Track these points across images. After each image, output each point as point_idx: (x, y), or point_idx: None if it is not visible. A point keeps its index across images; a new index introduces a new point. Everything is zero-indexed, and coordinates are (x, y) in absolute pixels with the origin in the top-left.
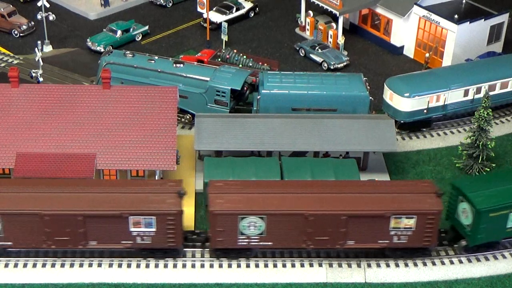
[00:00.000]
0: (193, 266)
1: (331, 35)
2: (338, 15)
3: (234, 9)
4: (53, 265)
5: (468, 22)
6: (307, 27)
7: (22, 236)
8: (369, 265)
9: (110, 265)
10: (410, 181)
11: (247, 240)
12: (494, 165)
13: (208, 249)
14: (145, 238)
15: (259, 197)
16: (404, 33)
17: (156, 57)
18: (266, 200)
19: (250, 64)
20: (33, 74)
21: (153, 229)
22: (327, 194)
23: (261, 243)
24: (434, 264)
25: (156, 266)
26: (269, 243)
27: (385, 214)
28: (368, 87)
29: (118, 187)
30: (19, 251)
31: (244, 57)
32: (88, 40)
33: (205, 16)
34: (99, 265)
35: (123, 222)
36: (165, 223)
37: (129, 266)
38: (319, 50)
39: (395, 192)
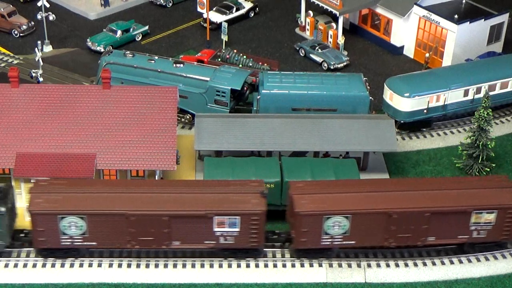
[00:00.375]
0: (193, 266)
1: (331, 35)
2: (338, 15)
3: (234, 9)
4: (53, 265)
5: (468, 22)
6: (307, 27)
7: (106, 236)
8: (369, 265)
9: (110, 265)
10: (485, 176)
11: (330, 240)
12: (494, 165)
13: (287, 249)
14: (228, 238)
15: (342, 196)
16: (404, 33)
17: (156, 57)
18: (349, 199)
19: (250, 64)
20: (33, 74)
21: (237, 229)
22: (408, 191)
23: (344, 242)
24: (434, 264)
25: (156, 266)
26: (352, 242)
27: (467, 209)
28: (368, 87)
29: (201, 187)
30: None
31: (244, 57)
32: (88, 40)
33: (205, 16)
34: (99, 265)
35: (208, 222)
36: (249, 223)
37: (129, 266)
38: (319, 50)
39: (473, 187)
